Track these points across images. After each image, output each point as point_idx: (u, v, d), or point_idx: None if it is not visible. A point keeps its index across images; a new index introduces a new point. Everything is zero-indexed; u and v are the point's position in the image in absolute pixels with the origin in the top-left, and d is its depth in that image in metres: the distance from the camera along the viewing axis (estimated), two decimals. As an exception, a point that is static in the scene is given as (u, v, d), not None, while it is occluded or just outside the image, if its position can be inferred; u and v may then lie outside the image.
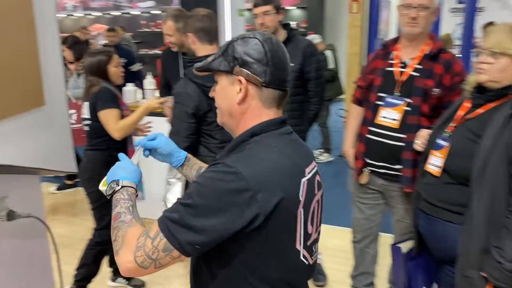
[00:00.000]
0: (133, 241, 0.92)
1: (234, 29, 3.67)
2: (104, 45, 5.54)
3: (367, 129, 2.21)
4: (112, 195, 1.07)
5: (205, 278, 1.02)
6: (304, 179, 1.00)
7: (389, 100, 2.12)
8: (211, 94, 1.08)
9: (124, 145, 2.57)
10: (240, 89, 0.99)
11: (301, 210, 0.98)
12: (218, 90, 1.04)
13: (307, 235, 1.03)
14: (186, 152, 1.36)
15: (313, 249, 1.09)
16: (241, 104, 1.00)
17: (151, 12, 12.60)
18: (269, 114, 1.02)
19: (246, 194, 0.88)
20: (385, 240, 2.53)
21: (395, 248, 2.04)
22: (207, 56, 2.01)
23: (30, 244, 1.66)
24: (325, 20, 9.26)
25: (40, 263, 1.74)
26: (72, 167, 1.81)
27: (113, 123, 2.43)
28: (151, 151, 1.31)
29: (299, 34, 2.91)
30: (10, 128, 1.38)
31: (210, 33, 2.18)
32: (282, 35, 2.67)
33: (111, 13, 13.39)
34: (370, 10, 5.37)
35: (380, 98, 2.15)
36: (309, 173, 1.03)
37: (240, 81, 0.99)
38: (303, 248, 1.03)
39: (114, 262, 2.44)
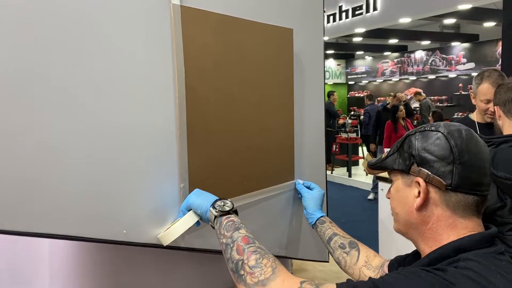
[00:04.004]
0: (294, 281, 0.83)
1: None
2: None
3: None
4: (221, 215, 1.02)
5: None
6: None
7: None
8: (386, 196, 0.97)
9: None
10: (419, 193, 0.86)
11: None
12: (393, 193, 0.94)
13: None
14: (321, 215, 1.33)
15: None
16: (420, 210, 0.87)
17: (471, 74, 11.75)
18: (467, 225, 0.86)
19: None
20: None
21: None
22: None
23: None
24: None
25: None
26: (326, 255, 1.57)
27: None
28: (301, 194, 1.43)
29: None
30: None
31: None
32: None
33: (427, 77, 13.28)
34: None
35: None
36: None
37: (418, 183, 0.86)
38: None
39: None
